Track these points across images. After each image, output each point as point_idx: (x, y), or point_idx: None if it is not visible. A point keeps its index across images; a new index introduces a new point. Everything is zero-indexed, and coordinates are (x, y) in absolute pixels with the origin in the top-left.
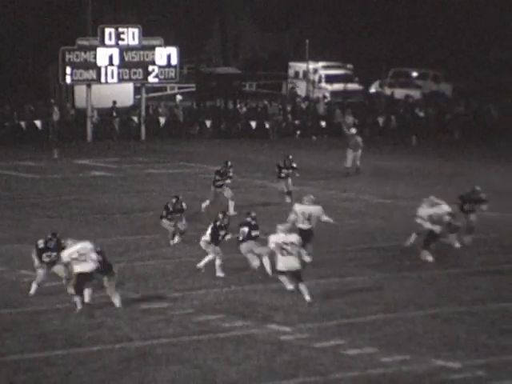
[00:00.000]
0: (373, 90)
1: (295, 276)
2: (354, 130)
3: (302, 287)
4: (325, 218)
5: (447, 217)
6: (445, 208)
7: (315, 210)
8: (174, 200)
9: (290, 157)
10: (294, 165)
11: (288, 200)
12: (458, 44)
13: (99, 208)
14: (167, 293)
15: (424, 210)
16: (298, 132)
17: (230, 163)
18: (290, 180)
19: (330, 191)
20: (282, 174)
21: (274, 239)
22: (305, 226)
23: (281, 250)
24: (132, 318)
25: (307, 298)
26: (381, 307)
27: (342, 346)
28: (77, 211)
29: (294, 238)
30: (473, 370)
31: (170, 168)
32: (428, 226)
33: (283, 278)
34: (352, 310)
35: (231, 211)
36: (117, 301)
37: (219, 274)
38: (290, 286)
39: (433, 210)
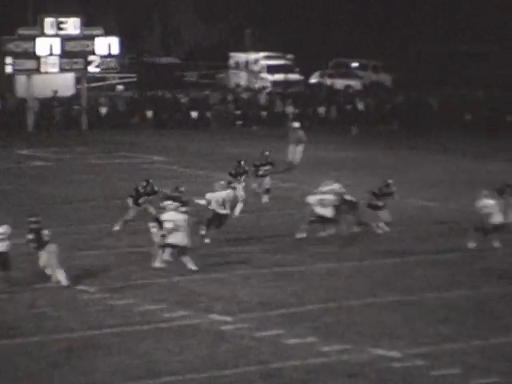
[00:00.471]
0: (313, 80)
1: (181, 251)
2: (296, 124)
3: (186, 259)
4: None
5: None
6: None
7: (227, 194)
8: (144, 183)
9: (267, 153)
10: (271, 160)
11: (265, 199)
12: (398, 35)
13: (39, 198)
14: (109, 283)
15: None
16: (239, 122)
17: (243, 162)
18: (267, 178)
19: (271, 181)
20: (260, 172)
21: (166, 217)
22: (221, 211)
23: (173, 226)
24: (74, 308)
25: (193, 267)
26: (320, 297)
27: (283, 336)
28: (16, 201)
29: (182, 217)
30: (412, 359)
31: (111, 158)
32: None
33: (167, 251)
34: (292, 299)
35: (237, 213)
36: (61, 277)
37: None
38: (166, 257)
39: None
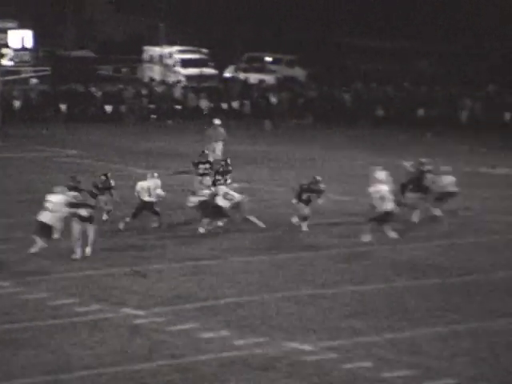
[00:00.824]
0: (227, 74)
1: (45, 229)
2: (217, 121)
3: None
4: (160, 192)
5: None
6: None
7: (154, 183)
8: (103, 177)
9: (206, 152)
10: (211, 159)
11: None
12: (311, 29)
13: None
14: (23, 277)
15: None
16: (154, 116)
17: (229, 160)
18: (208, 177)
19: (186, 174)
20: (200, 171)
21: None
22: (147, 198)
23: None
24: None
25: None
26: (235, 290)
27: (196, 330)
28: None
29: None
30: (325, 352)
31: (24, 152)
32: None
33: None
34: (206, 293)
35: (246, 215)
36: None
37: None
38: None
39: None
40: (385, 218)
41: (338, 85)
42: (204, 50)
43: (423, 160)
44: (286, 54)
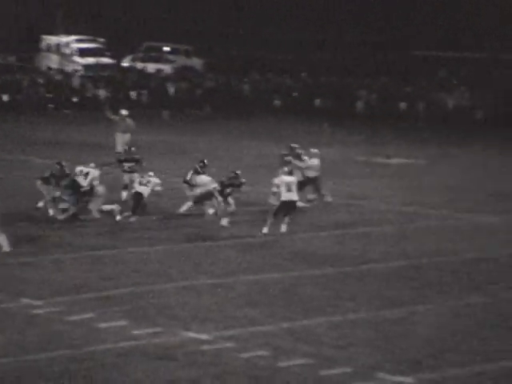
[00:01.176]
0: (125, 64)
1: None
2: (124, 112)
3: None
4: (95, 182)
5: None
6: None
7: (92, 172)
8: (57, 166)
9: (133, 149)
10: (137, 156)
11: (124, 197)
12: (210, 20)
13: None
14: None
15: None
16: (51, 105)
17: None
18: (135, 174)
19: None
20: (126, 168)
21: None
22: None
23: None
24: None
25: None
26: (133, 280)
27: (94, 319)
28: None
29: None
30: (222, 342)
31: None
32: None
33: None
34: (104, 283)
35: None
36: None
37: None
38: None
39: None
40: (287, 208)
41: (236, 75)
42: (101, 40)
43: (294, 145)
44: (184, 44)
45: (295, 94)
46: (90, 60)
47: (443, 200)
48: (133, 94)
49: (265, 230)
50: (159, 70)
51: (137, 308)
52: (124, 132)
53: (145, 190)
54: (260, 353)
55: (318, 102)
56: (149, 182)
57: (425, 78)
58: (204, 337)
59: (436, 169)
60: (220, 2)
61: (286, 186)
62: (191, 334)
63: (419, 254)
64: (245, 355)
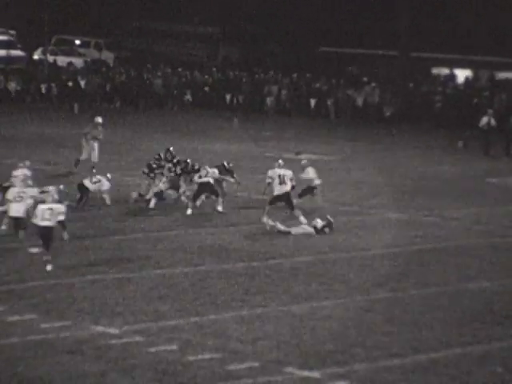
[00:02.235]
0: (36, 56)
1: None
2: (99, 119)
3: None
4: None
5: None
6: None
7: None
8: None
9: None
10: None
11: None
12: (121, 12)
13: None
14: None
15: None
16: None
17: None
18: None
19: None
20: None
21: None
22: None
23: None
24: None
25: None
26: (42, 274)
27: (2, 313)
28: None
29: None
30: (131, 336)
31: None
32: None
33: None
34: (13, 276)
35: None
36: None
37: None
38: None
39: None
40: (281, 201)
41: (148, 69)
42: (12, 32)
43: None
44: (95, 37)
45: (206, 89)
46: (1, 52)
47: (353, 196)
48: (43, 87)
49: (264, 219)
50: (70, 63)
51: (46, 301)
52: (94, 139)
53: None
54: (168, 347)
55: (228, 97)
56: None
57: (335, 75)
58: (112, 331)
59: (346, 165)
60: None
61: (278, 178)
62: (100, 328)
63: (328, 250)
64: (153, 349)
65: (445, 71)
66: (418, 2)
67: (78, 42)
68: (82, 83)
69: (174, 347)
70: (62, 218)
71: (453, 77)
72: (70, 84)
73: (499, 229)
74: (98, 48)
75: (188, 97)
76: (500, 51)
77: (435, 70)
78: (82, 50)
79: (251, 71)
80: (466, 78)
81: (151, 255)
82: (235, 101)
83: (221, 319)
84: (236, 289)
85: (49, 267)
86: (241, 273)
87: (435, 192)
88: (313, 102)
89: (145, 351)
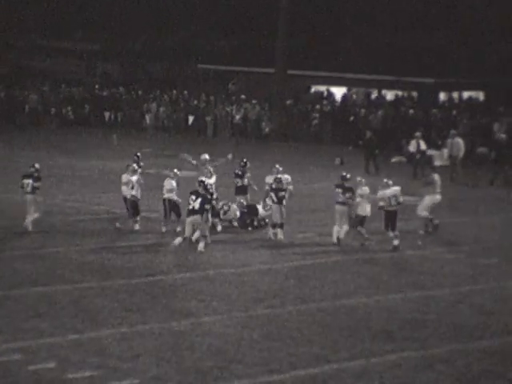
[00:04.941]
0: None
1: None
2: None
3: None
4: None
5: None
6: None
7: None
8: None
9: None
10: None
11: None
12: None
13: None
14: None
15: None
16: None
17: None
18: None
19: None
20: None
21: None
22: None
23: None
24: None
25: None
26: None
27: None
28: None
29: None
30: (10, 354)
31: None
32: None
33: None
34: None
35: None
36: None
37: None
38: None
39: None
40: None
41: (25, 85)
42: None
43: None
44: None
45: (87, 107)
46: None
47: None
48: None
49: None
50: None
51: None
52: None
53: None
54: (47, 365)
55: (107, 114)
56: None
57: (214, 92)
58: None
59: (224, 182)
60: (6, 9)
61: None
62: None
63: (208, 266)
64: (32, 367)
65: (323, 89)
66: (296, 20)
67: None
68: None
69: (54, 365)
70: None
71: (330, 94)
72: None
73: (375, 244)
74: None
75: (69, 113)
76: (375, 69)
77: (314, 88)
78: None
79: (130, 88)
80: (343, 96)
81: (30, 272)
82: (114, 118)
83: (101, 336)
84: (116, 306)
85: None
86: (120, 290)
87: (315, 209)
88: (191, 118)
89: (24, 369)
